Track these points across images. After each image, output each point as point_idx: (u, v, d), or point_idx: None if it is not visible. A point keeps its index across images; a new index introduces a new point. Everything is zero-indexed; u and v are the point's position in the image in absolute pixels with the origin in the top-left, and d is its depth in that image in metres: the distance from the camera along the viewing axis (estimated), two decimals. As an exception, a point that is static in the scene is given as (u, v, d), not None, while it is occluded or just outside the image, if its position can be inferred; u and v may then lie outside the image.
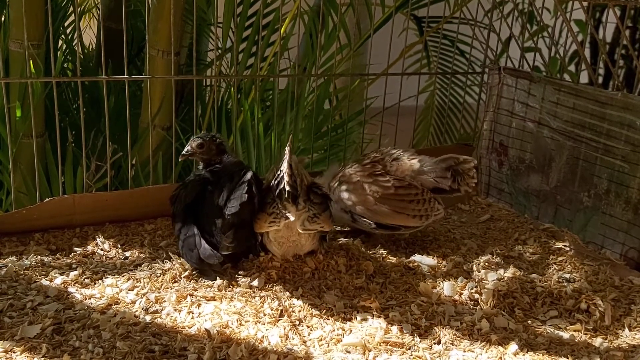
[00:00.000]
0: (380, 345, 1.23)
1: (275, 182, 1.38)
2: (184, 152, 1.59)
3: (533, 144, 1.95)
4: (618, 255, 1.70)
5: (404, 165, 1.66)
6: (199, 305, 1.33)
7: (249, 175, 1.48)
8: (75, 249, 1.59)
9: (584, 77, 2.08)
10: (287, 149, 1.34)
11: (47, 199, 1.66)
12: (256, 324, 1.28)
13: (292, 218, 1.37)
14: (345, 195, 1.63)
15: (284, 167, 1.35)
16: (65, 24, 2.43)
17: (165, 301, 1.34)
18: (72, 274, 1.44)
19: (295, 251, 1.50)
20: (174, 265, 1.50)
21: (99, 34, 2.41)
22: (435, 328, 1.30)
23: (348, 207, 1.63)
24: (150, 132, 1.89)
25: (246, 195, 1.43)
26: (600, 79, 3.67)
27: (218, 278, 1.44)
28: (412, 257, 1.62)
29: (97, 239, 1.63)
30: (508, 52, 2.16)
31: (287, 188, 1.34)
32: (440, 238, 1.77)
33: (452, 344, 1.26)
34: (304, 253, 1.52)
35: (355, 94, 2.53)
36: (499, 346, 1.26)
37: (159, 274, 1.46)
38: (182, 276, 1.46)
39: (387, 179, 1.62)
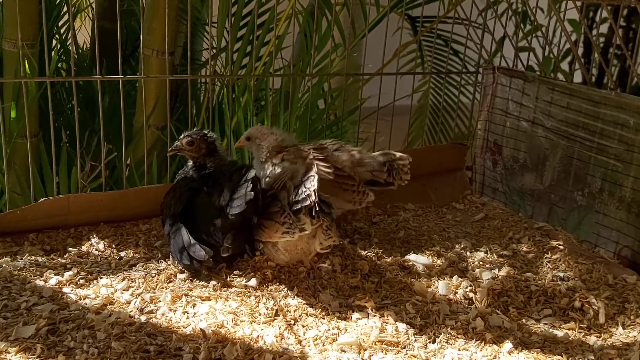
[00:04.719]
0: (375, 345, 1.23)
1: (295, 198, 1.38)
2: (172, 147, 1.59)
3: (527, 143, 1.96)
4: (612, 253, 1.70)
5: (344, 155, 1.68)
6: (194, 305, 1.33)
7: (252, 173, 1.47)
8: (70, 249, 1.58)
9: (577, 77, 2.09)
10: (315, 168, 1.37)
11: (42, 199, 1.65)
12: (251, 323, 1.28)
13: (308, 230, 1.39)
14: (286, 165, 1.60)
15: (311, 185, 1.35)
16: (60, 24, 2.42)
17: (160, 301, 1.34)
18: (67, 274, 1.44)
19: (302, 258, 1.50)
20: (169, 265, 1.50)
21: (93, 33, 2.41)
22: (430, 327, 1.30)
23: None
24: (144, 131, 1.88)
25: (252, 193, 1.41)
26: (594, 79, 3.68)
27: (213, 278, 1.44)
28: (407, 256, 1.62)
29: (92, 239, 1.62)
30: (502, 52, 2.17)
31: (316, 208, 1.35)
32: (435, 237, 1.77)
33: (447, 342, 1.26)
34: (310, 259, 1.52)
35: (350, 94, 2.53)
36: (494, 345, 1.26)
37: (154, 274, 1.46)
38: (177, 276, 1.46)
39: (329, 164, 1.62)
